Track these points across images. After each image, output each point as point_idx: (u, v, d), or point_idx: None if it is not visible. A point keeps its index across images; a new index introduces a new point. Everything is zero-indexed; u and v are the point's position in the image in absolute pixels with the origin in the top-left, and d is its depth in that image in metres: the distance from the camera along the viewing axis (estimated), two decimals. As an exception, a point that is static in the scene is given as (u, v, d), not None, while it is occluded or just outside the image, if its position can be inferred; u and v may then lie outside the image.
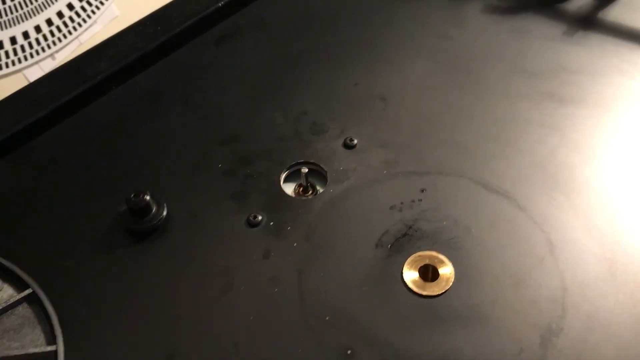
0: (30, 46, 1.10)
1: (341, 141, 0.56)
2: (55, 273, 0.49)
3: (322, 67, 0.63)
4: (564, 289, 0.45)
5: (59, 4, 1.13)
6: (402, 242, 0.49)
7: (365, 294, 0.47)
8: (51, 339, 0.45)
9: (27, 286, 0.47)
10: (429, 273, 0.47)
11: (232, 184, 0.54)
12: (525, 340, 0.43)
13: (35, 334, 0.45)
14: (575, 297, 0.45)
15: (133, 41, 0.66)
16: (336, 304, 0.46)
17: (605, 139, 0.55)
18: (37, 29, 1.10)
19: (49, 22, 1.11)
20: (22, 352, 0.44)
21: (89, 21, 1.16)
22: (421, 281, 0.47)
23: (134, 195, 0.50)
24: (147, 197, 0.50)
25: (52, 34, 1.12)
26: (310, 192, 0.54)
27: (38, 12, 1.10)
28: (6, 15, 1.05)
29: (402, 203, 0.52)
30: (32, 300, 0.47)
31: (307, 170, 0.53)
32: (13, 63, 1.09)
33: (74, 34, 1.15)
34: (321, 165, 0.55)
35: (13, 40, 1.07)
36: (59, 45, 1.14)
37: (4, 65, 1.07)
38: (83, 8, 1.14)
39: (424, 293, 0.46)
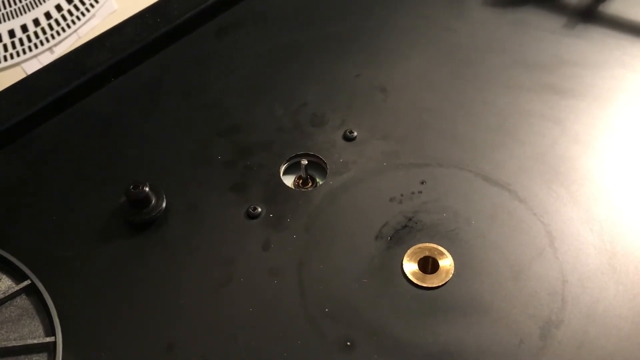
0: (29, 39, 1.10)
1: (341, 133, 0.56)
2: (54, 264, 0.49)
3: (323, 59, 0.63)
4: (563, 281, 0.45)
5: (58, -3, 1.13)
6: (402, 234, 0.49)
7: (365, 286, 0.46)
8: (50, 330, 0.45)
9: (25, 277, 0.47)
10: (428, 265, 0.47)
11: (232, 175, 0.54)
12: (524, 331, 0.43)
13: (34, 325, 0.45)
14: (575, 288, 0.45)
15: (132, 33, 0.65)
16: (336, 296, 0.46)
17: (606, 132, 0.54)
18: (36, 22, 1.10)
19: (48, 15, 1.11)
20: (21, 343, 0.44)
21: (88, 15, 1.16)
22: (421, 273, 0.47)
23: (133, 187, 0.50)
24: (147, 189, 0.50)
25: (51, 27, 1.12)
26: (310, 184, 0.54)
27: (37, 5, 1.10)
28: (4, 8, 1.05)
29: (402, 195, 0.51)
30: (31, 291, 0.47)
31: (306, 162, 0.53)
32: (11, 56, 1.08)
33: (73, 27, 1.14)
34: (321, 157, 0.55)
35: (12, 34, 1.07)
36: (57, 38, 1.14)
37: (2, 59, 1.07)
38: (82, 1, 1.13)
39: (424, 285, 0.46)
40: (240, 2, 0.69)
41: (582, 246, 0.47)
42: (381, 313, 0.45)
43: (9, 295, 0.46)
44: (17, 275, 0.48)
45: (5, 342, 0.44)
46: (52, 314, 0.45)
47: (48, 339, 0.44)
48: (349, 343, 0.44)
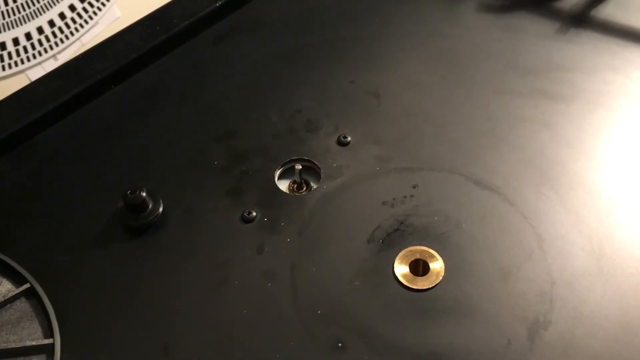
0: (33, 47, 1.11)
1: (335, 138, 0.57)
2: (53, 268, 0.50)
3: (318, 65, 0.64)
4: (552, 283, 0.46)
5: (61, 6, 1.15)
6: (394, 237, 0.50)
7: (357, 288, 0.47)
8: (48, 333, 0.46)
9: (25, 281, 0.48)
10: (419, 267, 0.48)
11: (228, 180, 0.55)
12: (513, 333, 0.44)
13: (33, 327, 0.46)
14: (563, 290, 0.46)
15: (132, 41, 0.67)
16: (328, 298, 0.47)
17: (596, 136, 0.55)
18: (40, 30, 1.11)
19: (51, 23, 1.13)
20: (20, 345, 0.45)
21: (91, 22, 1.17)
22: (412, 275, 0.48)
23: (130, 192, 0.51)
24: (143, 194, 0.51)
25: (55, 35, 1.13)
26: (304, 188, 0.55)
27: (40, 14, 1.11)
28: (9, 16, 1.06)
29: (394, 199, 0.52)
30: (30, 294, 0.48)
31: (300, 167, 0.54)
32: (16, 64, 1.10)
33: (76, 35, 1.16)
34: (315, 161, 0.56)
35: (16, 42, 1.09)
36: (61, 46, 1.15)
37: (7, 66, 1.08)
38: (85, 9, 1.15)
39: (415, 287, 0.47)
40: (237, 10, 0.70)
41: (570, 248, 0.48)
42: (372, 315, 0.46)
43: (8, 298, 0.47)
44: (17, 279, 0.49)
45: (5, 344, 0.45)
46: (50, 316, 0.46)
47: (47, 341, 0.45)
48: (340, 344, 0.44)
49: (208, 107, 0.61)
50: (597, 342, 0.43)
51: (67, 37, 1.15)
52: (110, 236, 0.52)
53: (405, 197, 0.52)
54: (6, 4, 1.02)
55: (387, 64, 0.63)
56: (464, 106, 0.59)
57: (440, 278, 0.47)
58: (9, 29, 1.08)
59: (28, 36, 1.11)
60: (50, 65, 1.15)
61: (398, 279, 0.47)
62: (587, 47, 0.62)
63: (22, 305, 0.48)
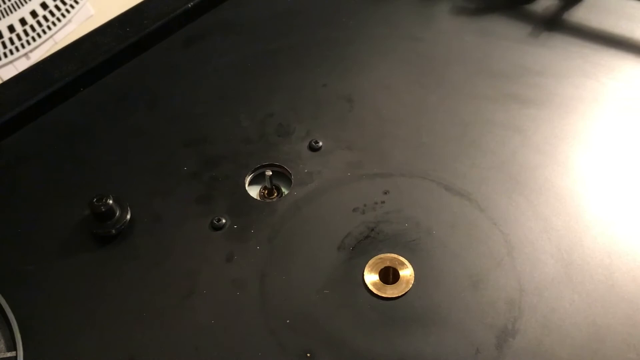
0: (4, 46, 1.09)
1: (306, 143, 0.57)
2: (16, 278, 0.49)
3: (290, 69, 0.63)
4: (520, 290, 0.46)
5: (33, 3, 1.13)
6: (364, 245, 0.50)
7: (326, 297, 0.47)
8: (11, 345, 0.45)
9: (-13, 291, 0.47)
10: (389, 275, 0.48)
11: (197, 186, 0.54)
12: (481, 341, 0.44)
13: (-4, 339, 0.45)
14: (532, 298, 0.46)
15: (101, 43, 0.65)
16: (297, 307, 0.46)
17: (567, 141, 0.55)
18: (11, 28, 1.09)
19: (23, 21, 1.11)
20: (-18, 357, 0.44)
21: (64, 20, 1.15)
22: (381, 283, 0.47)
23: (96, 199, 0.50)
24: (110, 201, 0.50)
25: (26, 34, 1.11)
26: (275, 194, 0.54)
27: (11, 12, 1.09)
28: (-22, 15, 1.04)
29: (365, 205, 0.52)
30: (-7, 305, 0.47)
31: (271, 173, 0.53)
32: (-14, 63, 1.08)
33: (49, 33, 1.14)
34: (286, 167, 0.55)
35: (-14, 40, 1.06)
36: (33, 44, 1.13)
37: (-23, 66, 1.06)
38: (57, 7, 1.13)
39: (384, 295, 0.47)
40: (209, 12, 0.69)
41: (540, 255, 0.48)
42: (341, 324, 0.45)
43: (-31, 310, 0.46)
44: (-21, 289, 0.48)
45: (-34, 358, 0.44)
46: (13, 328, 0.45)
47: (9, 354, 0.44)
48: (308, 355, 0.44)
49: (178, 111, 0.61)
50: (566, 350, 0.43)
51: (39, 36, 1.13)
52: (76, 244, 0.51)
53: (376, 203, 0.52)
54: (-25, 2, 0.99)
55: (360, 68, 0.63)
56: (437, 111, 0.58)
57: (410, 286, 0.47)
58: (-22, 28, 1.06)
59: (-1, 35, 1.08)
60: (22, 64, 1.13)
61: (368, 287, 0.47)
62: (558, 51, 0.62)
63: (-16, 316, 0.47)
